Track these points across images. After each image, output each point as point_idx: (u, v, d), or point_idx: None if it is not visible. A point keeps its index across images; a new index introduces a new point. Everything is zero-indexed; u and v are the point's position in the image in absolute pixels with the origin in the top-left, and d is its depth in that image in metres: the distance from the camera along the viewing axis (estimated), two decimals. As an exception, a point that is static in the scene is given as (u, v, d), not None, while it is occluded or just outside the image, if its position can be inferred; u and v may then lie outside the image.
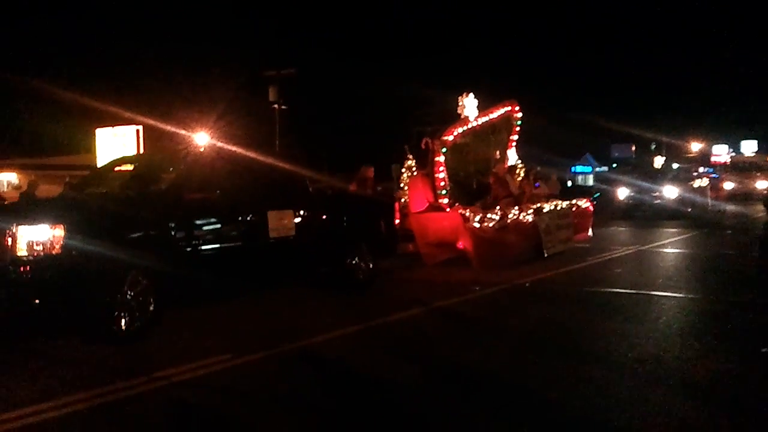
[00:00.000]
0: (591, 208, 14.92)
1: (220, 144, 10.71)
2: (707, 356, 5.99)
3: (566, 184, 31.92)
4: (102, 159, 21.92)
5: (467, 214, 11.03)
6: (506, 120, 14.01)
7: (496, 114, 13.52)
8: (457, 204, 11.53)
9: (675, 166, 32.89)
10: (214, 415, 4.78)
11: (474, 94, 12.99)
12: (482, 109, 13.09)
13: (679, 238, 16.98)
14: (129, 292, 6.42)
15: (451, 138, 12.01)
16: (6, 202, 13.65)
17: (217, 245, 7.41)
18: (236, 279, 7.52)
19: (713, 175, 33.60)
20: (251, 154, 8.77)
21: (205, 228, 7.34)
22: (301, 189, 8.86)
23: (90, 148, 27.46)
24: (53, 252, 5.97)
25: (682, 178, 24.85)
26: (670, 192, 23.01)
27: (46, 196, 13.12)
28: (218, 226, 7.51)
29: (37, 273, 5.96)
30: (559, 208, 13.23)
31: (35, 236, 5.98)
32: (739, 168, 40.41)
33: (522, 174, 14.02)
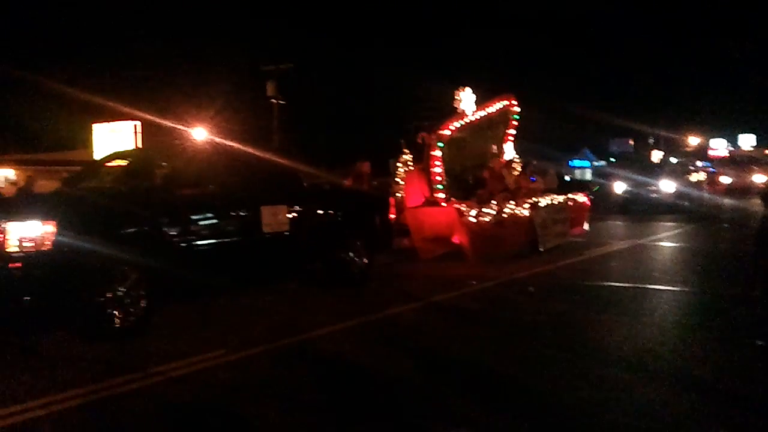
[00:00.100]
0: (588, 203, 14.90)
1: (212, 139, 10.66)
2: (703, 349, 6.02)
3: (564, 179, 31.89)
4: (99, 154, 21.88)
5: (463, 208, 11.00)
6: (503, 114, 13.98)
7: (493, 108, 13.48)
8: (452, 199, 11.51)
9: (673, 160, 32.94)
10: (211, 410, 4.78)
11: (472, 88, 12.95)
12: (479, 103, 13.06)
13: (675, 231, 16.98)
14: (121, 289, 6.38)
15: (447, 132, 11.98)
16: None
17: (210, 241, 7.35)
18: (229, 275, 7.46)
19: (711, 169, 33.66)
20: (244, 149, 8.73)
21: (198, 223, 7.27)
22: (295, 184, 8.81)
23: (87, 144, 27.42)
24: (44, 248, 5.92)
25: (680, 172, 24.88)
26: (666, 186, 23.01)
27: (44, 191, 13.07)
28: (211, 221, 7.44)
29: (27, 269, 5.90)
30: (555, 202, 13.20)
31: (26, 232, 5.92)
32: (737, 162, 40.44)
33: (519, 168, 13.98)
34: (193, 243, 7.16)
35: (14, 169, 29.37)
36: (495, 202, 11.67)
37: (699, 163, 32.06)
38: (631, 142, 63.63)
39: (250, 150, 8.78)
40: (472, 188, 12.77)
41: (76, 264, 6.08)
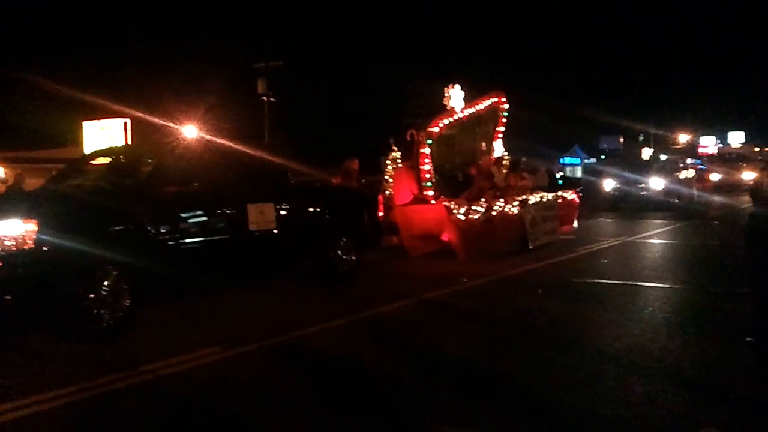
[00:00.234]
0: (577, 200, 14.93)
1: (199, 136, 10.59)
2: (693, 346, 6.02)
3: (555, 176, 31.98)
4: (89, 152, 21.77)
5: (452, 206, 11.00)
6: (493, 111, 13.98)
7: (482, 105, 13.47)
8: (441, 196, 11.51)
9: (663, 157, 33.04)
10: (202, 408, 4.76)
11: (464, 85, 12.94)
12: (469, 100, 13.06)
13: (665, 229, 17.03)
14: (104, 288, 6.29)
15: (436, 129, 11.96)
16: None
17: (195, 239, 7.27)
18: (215, 273, 7.37)
19: (700, 167, 33.79)
20: (231, 146, 8.65)
21: (182, 221, 7.18)
22: (282, 181, 8.74)
23: (78, 142, 27.30)
24: (25, 247, 5.83)
25: (669, 170, 24.94)
26: (656, 183, 23.07)
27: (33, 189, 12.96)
28: (196, 219, 7.35)
29: (8, 269, 5.80)
30: (545, 200, 13.21)
31: (6, 231, 5.83)
32: (726, 159, 40.62)
33: (508, 165, 14.00)
34: (178, 241, 7.07)
35: (3, 166, 29.17)
36: (484, 200, 11.68)
37: (689, 161, 32.14)
38: (621, 140, 63.83)
39: (236, 147, 8.69)
40: (462, 186, 12.78)
41: (58, 263, 6.00)
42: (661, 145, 57.96)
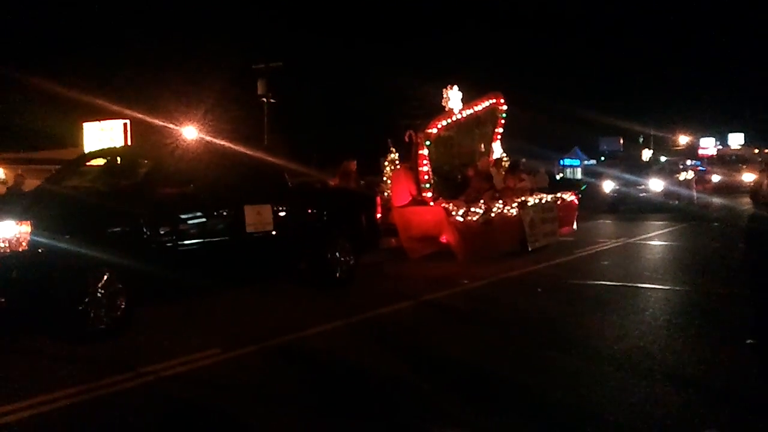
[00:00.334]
0: (576, 202, 14.91)
1: (195, 137, 10.56)
2: (693, 348, 5.99)
3: (555, 177, 31.98)
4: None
5: (450, 207, 10.98)
6: (491, 112, 13.96)
7: (481, 106, 13.45)
8: (440, 198, 11.50)
9: (663, 158, 33.04)
10: (203, 409, 4.74)
11: (464, 87, 12.91)
12: (467, 101, 13.04)
13: (665, 230, 16.99)
14: (99, 290, 6.25)
15: (435, 131, 11.93)
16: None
17: (191, 241, 7.23)
18: (211, 275, 7.32)
19: (700, 168, 33.81)
20: (227, 147, 8.62)
21: (178, 223, 7.13)
22: (280, 182, 8.69)
23: (78, 142, 27.31)
24: (19, 249, 5.81)
25: (668, 171, 24.93)
26: (655, 185, 23.04)
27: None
28: (192, 220, 7.31)
29: (2, 270, 5.78)
30: (543, 201, 13.19)
31: (0, 233, 5.81)
32: (726, 161, 40.62)
33: (507, 167, 13.98)
34: (174, 243, 7.04)
35: (3, 168, 29.17)
36: (483, 201, 11.66)
37: (689, 162, 32.18)
38: (621, 141, 63.83)
39: (233, 148, 8.66)
40: (461, 187, 12.76)
41: (53, 265, 5.97)
42: (661, 146, 58.03)
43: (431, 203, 11.26)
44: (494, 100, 13.85)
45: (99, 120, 27.38)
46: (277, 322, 7.17)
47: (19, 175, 19.04)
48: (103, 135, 26.60)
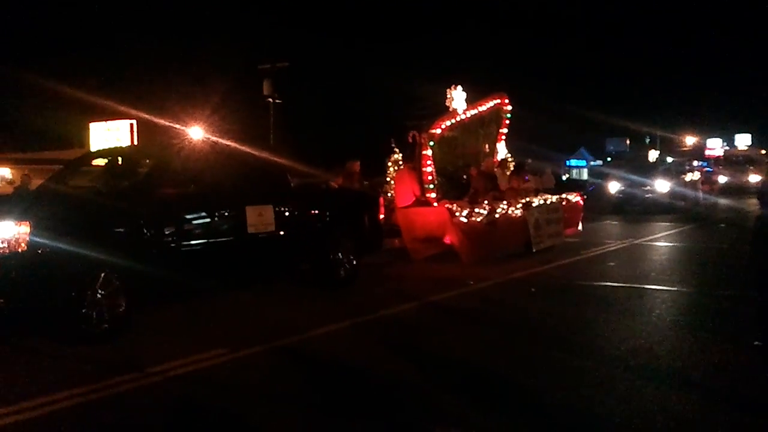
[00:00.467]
0: (581, 202, 14.84)
1: (198, 137, 10.53)
2: (700, 349, 5.99)
3: (561, 178, 31.91)
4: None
5: (454, 208, 10.94)
6: (495, 113, 13.90)
7: (485, 107, 13.39)
8: (444, 198, 11.46)
9: (669, 159, 32.91)
10: (210, 409, 4.75)
11: (470, 87, 12.85)
12: (471, 101, 13.00)
13: (672, 231, 16.93)
14: (99, 291, 6.22)
15: (438, 131, 11.88)
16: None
17: (192, 241, 7.18)
18: (212, 276, 7.29)
19: (707, 169, 33.67)
20: (228, 147, 8.57)
21: (179, 224, 7.09)
22: (282, 183, 8.65)
23: (84, 143, 27.41)
24: (18, 250, 5.77)
25: (675, 172, 24.80)
26: (661, 186, 22.93)
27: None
28: (193, 221, 7.26)
29: (1, 272, 5.75)
30: (548, 202, 13.13)
31: (-1, 233, 5.76)
32: (732, 162, 40.41)
33: (511, 167, 13.93)
34: (174, 243, 6.99)
35: (10, 168, 29.32)
36: (487, 202, 11.61)
37: (695, 163, 32.05)
38: (628, 142, 63.63)
39: (235, 148, 8.63)
40: (465, 188, 12.72)
41: (52, 265, 5.93)
42: (668, 147, 57.74)
43: (435, 204, 11.22)
44: (498, 101, 13.80)
45: (105, 120, 27.49)
46: (281, 322, 7.16)
47: (25, 175, 19.14)
48: (110, 135, 26.73)
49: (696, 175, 25.50)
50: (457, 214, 10.82)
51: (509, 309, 8.00)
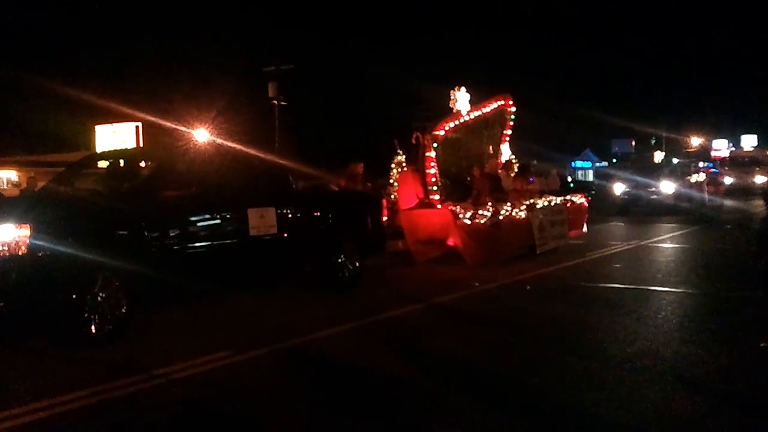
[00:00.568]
0: (586, 204, 14.80)
1: (200, 139, 10.54)
2: (706, 351, 5.95)
3: (567, 180, 31.80)
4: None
5: (458, 210, 10.91)
6: (500, 114, 13.87)
7: (488, 108, 13.35)
8: (447, 200, 11.42)
9: (675, 161, 32.77)
10: (215, 410, 4.75)
11: (476, 89, 12.83)
12: (475, 103, 12.97)
13: (677, 233, 16.85)
14: (99, 294, 6.19)
15: (442, 133, 11.86)
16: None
17: (193, 244, 7.14)
18: (214, 279, 7.25)
19: (713, 170, 33.51)
20: (230, 149, 8.56)
21: (180, 226, 7.05)
22: (284, 185, 8.63)
23: (90, 145, 27.54)
24: (18, 252, 5.74)
25: (680, 173, 24.70)
26: (666, 187, 22.83)
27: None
28: (194, 224, 7.23)
29: (1, 275, 5.73)
30: (553, 204, 13.09)
31: (-1, 236, 5.74)
32: (738, 163, 40.20)
33: (516, 169, 13.89)
34: (175, 246, 6.96)
35: (16, 170, 29.44)
36: (491, 204, 11.57)
37: (701, 164, 31.92)
38: (633, 143, 63.49)
39: (237, 150, 8.60)
40: (469, 190, 12.70)
41: (52, 268, 5.89)
42: (674, 148, 57.59)
43: (438, 206, 11.20)
44: (503, 102, 13.76)
45: (111, 123, 27.60)
46: (285, 324, 7.15)
47: (31, 178, 19.23)
48: (115, 138, 26.85)
49: (701, 177, 25.39)
50: (461, 216, 10.79)
51: (514, 311, 7.96)
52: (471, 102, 12.80)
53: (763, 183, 33.41)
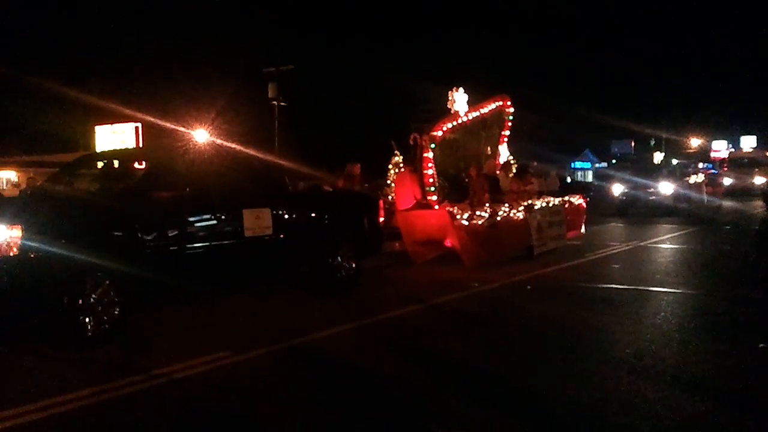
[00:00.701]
0: (584, 205, 14.78)
1: (199, 139, 10.51)
2: (705, 352, 5.96)
3: (566, 181, 31.82)
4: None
5: (455, 211, 10.89)
6: (498, 115, 13.83)
7: (487, 109, 13.31)
8: (445, 201, 11.40)
9: (674, 161, 32.79)
10: (216, 410, 4.76)
11: (471, 88, 12.82)
12: (473, 104, 12.95)
13: (676, 234, 16.82)
14: (92, 296, 6.14)
15: (439, 133, 11.82)
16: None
17: (187, 245, 7.09)
18: (208, 280, 7.20)
19: (712, 171, 33.47)
20: (226, 149, 8.48)
21: (174, 227, 6.99)
22: (280, 185, 8.58)
23: (89, 146, 27.55)
24: (10, 254, 5.69)
25: (679, 174, 24.68)
26: (665, 188, 22.81)
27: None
28: (188, 225, 7.17)
29: (-8, 276, 5.65)
30: (551, 205, 13.08)
31: (-10, 237, 5.67)
32: (737, 164, 40.12)
33: (514, 170, 13.88)
34: (169, 247, 6.91)
35: (16, 171, 29.46)
36: (488, 205, 11.56)
37: (700, 165, 31.92)
38: (633, 144, 63.52)
39: (232, 151, 8.57)
40: (467, 190, 12.69)
41: (45, 270, 5.84)
42: (673, 149, 57.72)
43: (436, 207, 11.18)
44: (501, 103, 13.73)
45: (111, 123, 27.62)
46: (283, 325, 7.15)
47: (31, 178, 19.26)
48: (115, 138, 26.87)
49: (700, 178, 25.37)
50: (458, 216, 10.77)
51: (513, 311, 7.96)
52: (469, 103, 12.79)
53: (762, 184, 33.34)
